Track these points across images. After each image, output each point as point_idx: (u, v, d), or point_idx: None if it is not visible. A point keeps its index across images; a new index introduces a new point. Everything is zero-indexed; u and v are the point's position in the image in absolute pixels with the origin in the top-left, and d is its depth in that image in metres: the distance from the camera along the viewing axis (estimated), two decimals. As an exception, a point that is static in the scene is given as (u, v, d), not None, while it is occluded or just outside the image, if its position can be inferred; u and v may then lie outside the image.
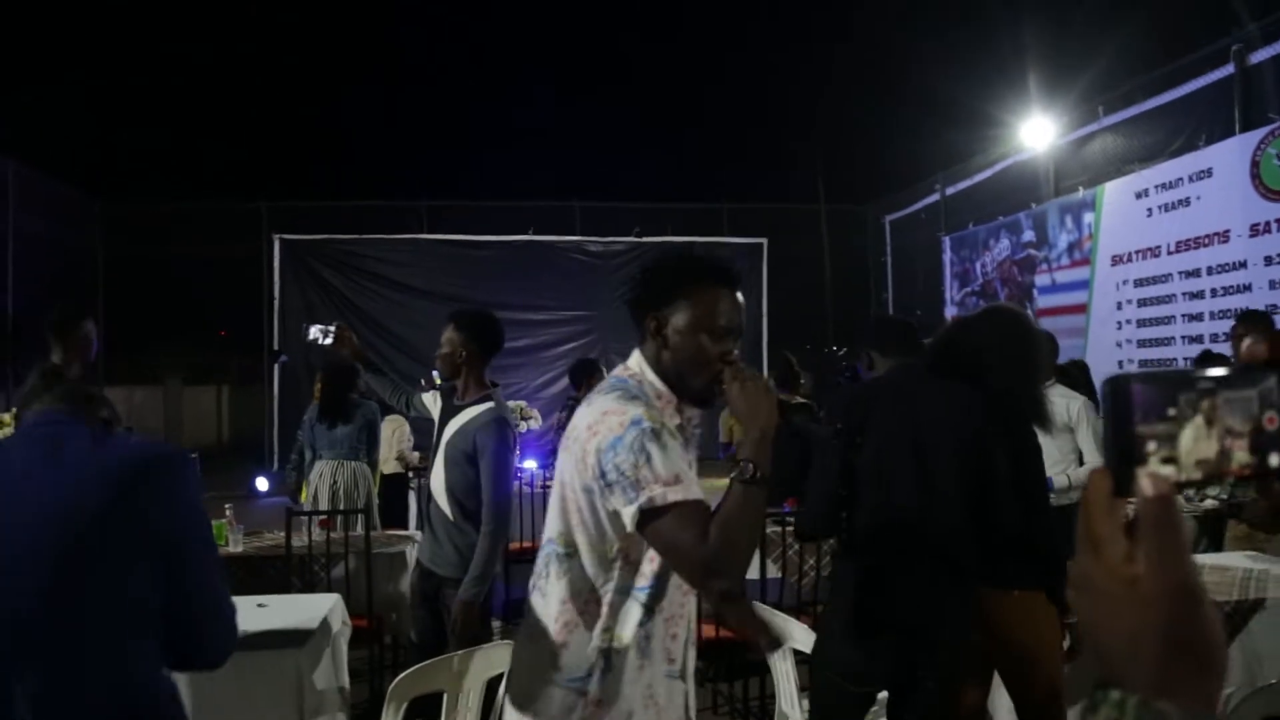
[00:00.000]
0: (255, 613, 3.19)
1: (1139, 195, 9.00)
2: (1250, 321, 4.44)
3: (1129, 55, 8.85)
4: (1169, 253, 8.62)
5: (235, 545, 4.46)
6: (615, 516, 1.53)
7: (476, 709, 2.44)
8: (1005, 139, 11.12)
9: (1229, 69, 7.83)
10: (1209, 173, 8.10)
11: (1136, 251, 9.04)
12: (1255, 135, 7.58)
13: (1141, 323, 8.98)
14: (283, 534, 4.30)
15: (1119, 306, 9.29)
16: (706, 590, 1.50)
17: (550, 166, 17.64)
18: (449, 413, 3.39)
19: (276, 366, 12.91)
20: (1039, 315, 9.99)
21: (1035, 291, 10.81)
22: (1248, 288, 7.68)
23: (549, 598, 1.62)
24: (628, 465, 1.47)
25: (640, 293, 1.69)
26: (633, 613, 1.58)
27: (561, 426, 5.97)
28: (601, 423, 1.53)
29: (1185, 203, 8.41)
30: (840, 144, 13.64)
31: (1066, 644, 2.55)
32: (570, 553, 1.60)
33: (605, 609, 1.58)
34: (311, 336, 3.78)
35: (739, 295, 1.69)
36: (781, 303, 13.83)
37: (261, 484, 11.06)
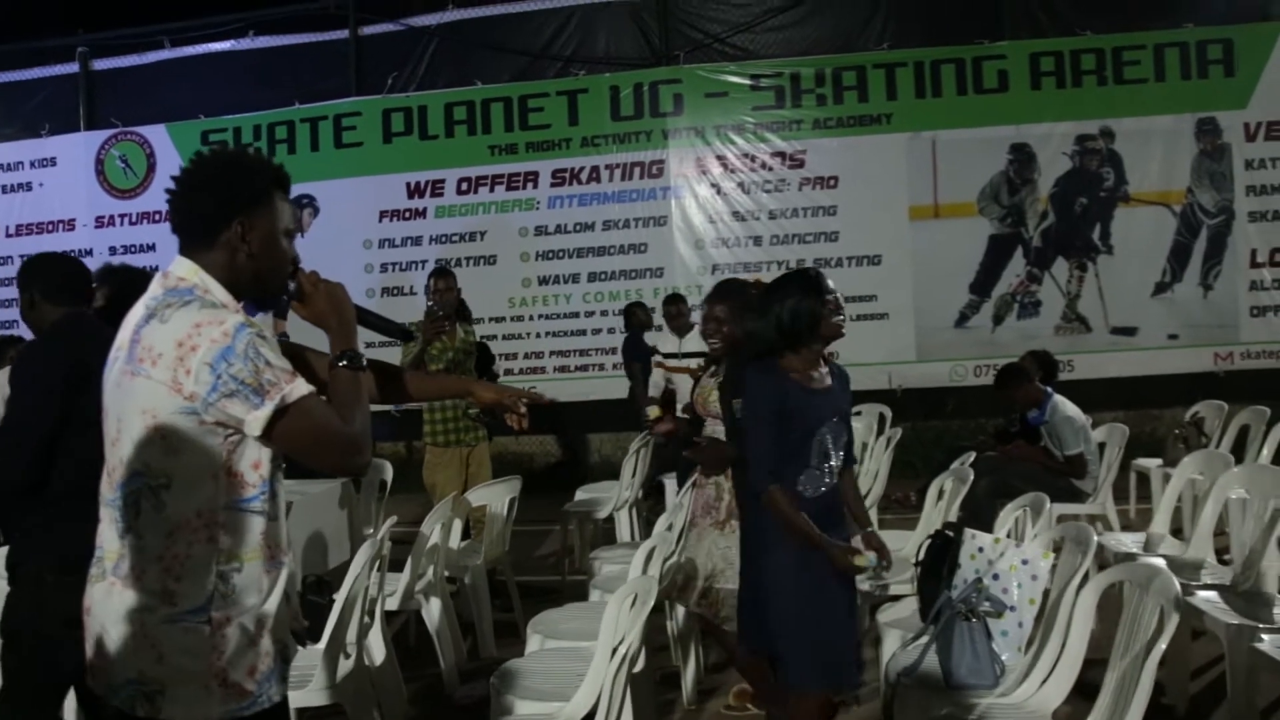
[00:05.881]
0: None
1: (-26, 172, 8.64)
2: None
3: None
4: (9, 235, 8.56)
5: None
6: (217, 430, 1.54)
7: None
8: None
9: (74, 67, 8.30)
10: (54, 161, 8.40)
11: (-29, 229, 8.66)
12: (99, 135, 8.24)
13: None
14: None
15: (-51, 286, 8.72)
16: (348, 468, 1.67)
17: None
18: None
19: None
20: None
21: None
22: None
23: (146, 535, 1.56)
24: (248, 373, 1.50)
25: (224, 197, 1.61)
26: (248, 525, 1.60)
27: None
28: (199, 335, 1.51)
29: (28, 187, 8.50)
30: None
31: None
32: (165, 484, 1.55)
33: (220, 531, 1.57)
34: None
35: None
36: None
37: None
